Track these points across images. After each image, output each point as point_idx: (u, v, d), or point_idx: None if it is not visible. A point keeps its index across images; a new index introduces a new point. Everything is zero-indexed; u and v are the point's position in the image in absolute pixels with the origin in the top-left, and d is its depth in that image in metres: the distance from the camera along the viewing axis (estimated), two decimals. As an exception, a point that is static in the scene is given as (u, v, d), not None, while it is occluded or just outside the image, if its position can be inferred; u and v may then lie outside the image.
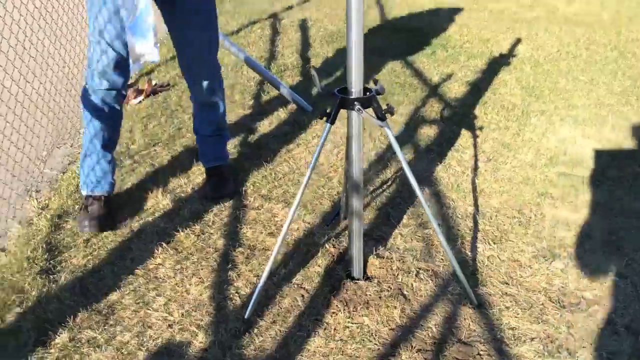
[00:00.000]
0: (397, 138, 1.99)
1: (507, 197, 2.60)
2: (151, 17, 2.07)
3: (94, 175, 2.42)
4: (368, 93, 1.84)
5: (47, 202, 2.63)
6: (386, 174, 2.79)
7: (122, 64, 2.25)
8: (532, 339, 1.88)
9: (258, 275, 2.14)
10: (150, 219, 2.48)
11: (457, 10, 5.69)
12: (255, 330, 1.91)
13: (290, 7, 5.90)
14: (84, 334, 1.90)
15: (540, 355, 1.81)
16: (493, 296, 2.05)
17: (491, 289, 2.08)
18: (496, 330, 1.91)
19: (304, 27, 5.25)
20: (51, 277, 2.15)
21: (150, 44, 2.09)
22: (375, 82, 2.00)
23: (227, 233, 2.37)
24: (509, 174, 2.78)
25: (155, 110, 3.58)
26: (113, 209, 2.46)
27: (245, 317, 1.95)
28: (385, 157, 2.94)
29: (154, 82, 3.85)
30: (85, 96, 2.31)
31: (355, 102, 1.82)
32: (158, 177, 2.80)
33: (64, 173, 2.91)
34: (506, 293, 2.06)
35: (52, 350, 1.84)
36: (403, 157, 1.87)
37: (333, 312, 1.97)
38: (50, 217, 2.49)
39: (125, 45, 2.17)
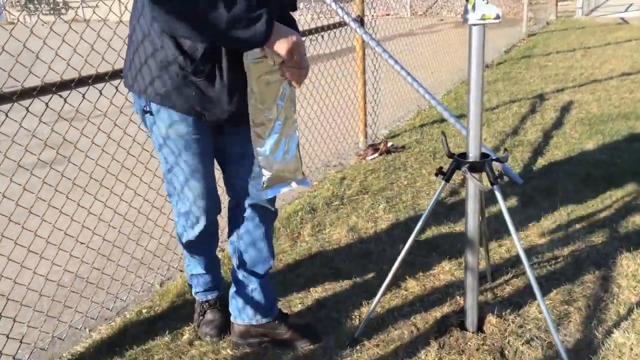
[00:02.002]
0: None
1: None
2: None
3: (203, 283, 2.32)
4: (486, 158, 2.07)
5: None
6: (562, 248, 2.82)
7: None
8: None
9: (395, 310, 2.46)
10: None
11: None
12: (358, 347, 2.24)
13: (561, 90, 5.93)
14: None
15: None
16: (597, 378, 2.01)
17: (600, 371, 2.04)
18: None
19: (565, 108, 5.27)
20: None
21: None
22: (505, 150, 2.22)
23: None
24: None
25: (380, 166, 4.12)
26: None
27: (355, 335, 2.29)
28: (569, 232, 2.96)
29: (389, 144, 4.40)
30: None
31: (465, 165, 2.07)
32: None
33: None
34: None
35: None
36: (511, 222, 2.03)
37: (427, 350, 2.19)
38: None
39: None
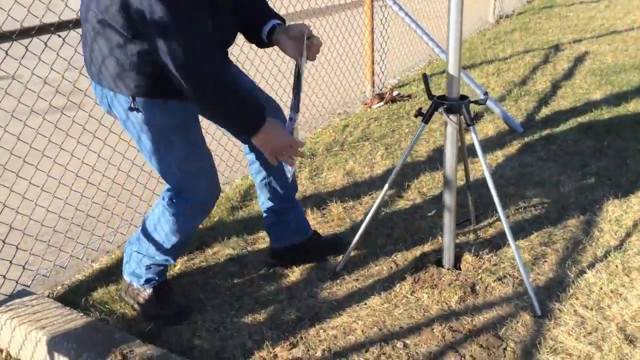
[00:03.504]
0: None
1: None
2: None
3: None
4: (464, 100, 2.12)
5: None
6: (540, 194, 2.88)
7: None
8: (568, 354, 1.92)
9: (383, 248, 2.57)
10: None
11: None
12: (338, 281, 2.36)
13: (579, 41, 5.83)
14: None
15: (564, 368, 1.86)
16: (562, 313, 2.10)
17: (566, 307, 2.12)
18: (539, 337, 2.00)
19: (579, 59, 5.20)
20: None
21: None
22: (486, 93, 2.27)
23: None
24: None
25: (384, 114, 4.18)
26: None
27: (336, 269, 2.41)
28: (560, 179, 3.01)
29: (395, 92, 4.44)
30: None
31: (442, 107, 2.14)
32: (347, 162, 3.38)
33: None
34: (579, 314, 2.09)
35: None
36: (486, 163, 2.10)
37: (402, 284, 2.30)
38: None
39: None
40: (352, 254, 2.48)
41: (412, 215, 2.78)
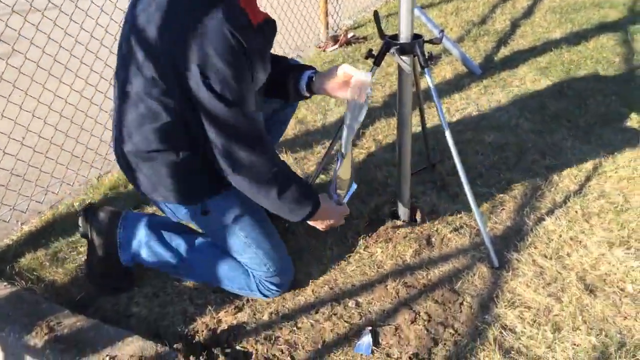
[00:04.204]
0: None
1: (626, 185, 2.39)
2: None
3: None
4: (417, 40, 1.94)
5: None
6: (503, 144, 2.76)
7: None
8: (527, 307, 1.83)
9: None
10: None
11: None
12: (288, 237, 2.21)
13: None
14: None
15: (523, 322, 1.77)
16: (520, 263, 2.00)
17: (525, 257, 2.03)
18: (496, 290, 1.90)
19: (543, -4, 5.04)
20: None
21: None
22: (442, 31, 2.09)
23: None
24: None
25: (338, 57, 3.97)
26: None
27: (286, 225, 2.26)
28: (519, 122, 2.89)
29: (350, 34, 4.23)
30: None
31: (394, 47, 1.96)
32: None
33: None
34: (537, 264, 1.99)
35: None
36: (441, 108, 1.95)
37: (355, 239, 2.17)
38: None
39: None
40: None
41: (366, 165, 2.63)
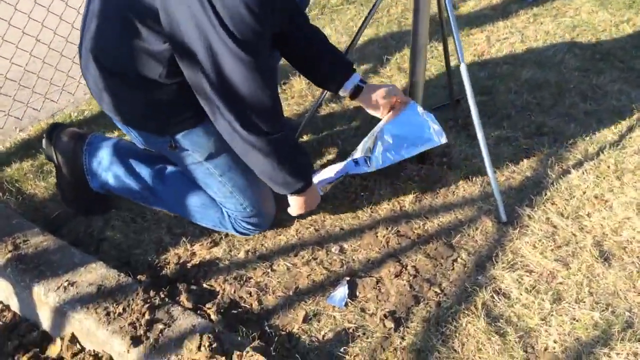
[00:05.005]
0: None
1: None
2: None
3: None
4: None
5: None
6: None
7: None
8: (528, 271, 1.64)
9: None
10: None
11: None
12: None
13: None
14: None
15: (520, 287, 1.59)
16: (532, 220, 1.79)
17: (538, 213, 1.81)
18: (497, 248, 1.71)
19: None
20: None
21: None
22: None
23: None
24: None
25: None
26: None
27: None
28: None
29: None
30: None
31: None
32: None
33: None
34: (551, 223, 1.78)
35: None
36: (458, 37, 1.70)
37: (353, 176, 1.99)
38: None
39: None
40: (305, 137, 2.16)
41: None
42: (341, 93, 1.75)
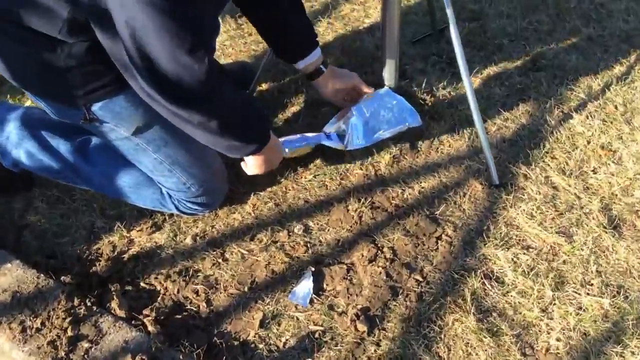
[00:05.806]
0: None
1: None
2: None
3: None
4: None
5: None
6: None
7: None
8: (525, 247, 1.39)
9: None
10: None
11: None
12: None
13: None
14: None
15: (516, 270, 1.34)
16: (528, 181, 1.52)
17: (536, 171, 1.54)
18: (488, 221, 1.45)
19: None
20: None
21: None
22: None
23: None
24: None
25: None
26: None
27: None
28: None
29: None
30: None
31: None
32: None
33: None
34: (551, 183, 1.52)
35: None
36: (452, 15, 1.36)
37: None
38: None
39: None
40: (265, 86, 1.84)
41: (354, 29, 2.07)
42: (300, 65, 1.55)
